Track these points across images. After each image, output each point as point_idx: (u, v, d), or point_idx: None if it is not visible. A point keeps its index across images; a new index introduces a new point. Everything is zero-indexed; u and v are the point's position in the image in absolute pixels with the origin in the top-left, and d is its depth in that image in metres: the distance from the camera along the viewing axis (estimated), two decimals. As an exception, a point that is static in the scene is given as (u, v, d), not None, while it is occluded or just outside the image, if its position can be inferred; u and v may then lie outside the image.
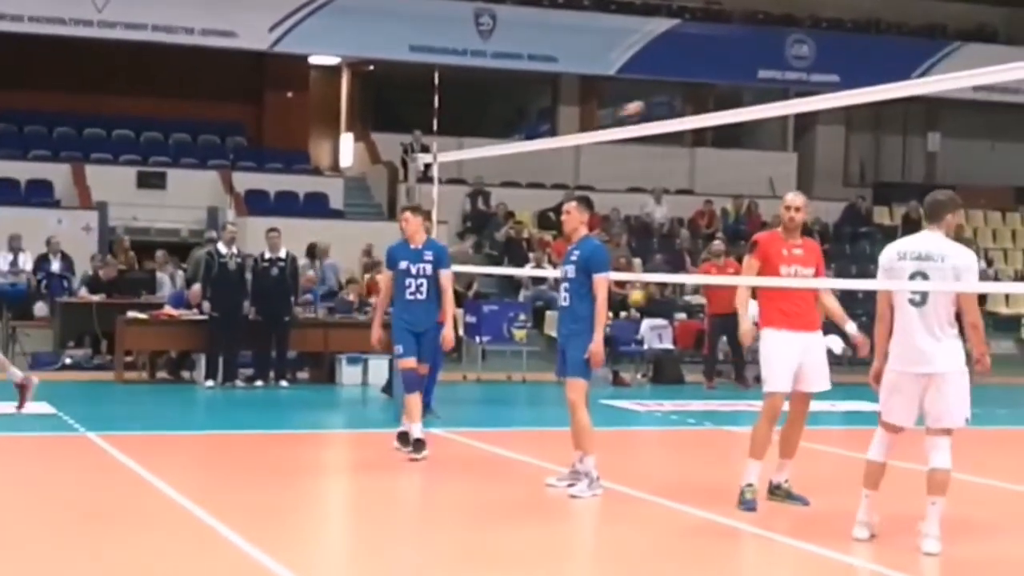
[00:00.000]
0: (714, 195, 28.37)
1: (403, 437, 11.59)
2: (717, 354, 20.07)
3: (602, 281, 9.88)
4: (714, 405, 16.50)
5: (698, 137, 30.40)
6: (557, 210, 26.92)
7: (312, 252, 21.76)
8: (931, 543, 7.90)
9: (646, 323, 21.26)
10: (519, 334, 20.63)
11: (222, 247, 18.35)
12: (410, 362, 11.43)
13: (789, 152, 31.91)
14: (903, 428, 8.20)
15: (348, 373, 18.67)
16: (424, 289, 11.47)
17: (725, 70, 29.18)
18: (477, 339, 20.06)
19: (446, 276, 11.60)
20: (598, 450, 9.85)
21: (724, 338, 19.69)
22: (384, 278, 11.94)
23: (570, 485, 9.89)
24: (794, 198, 9.68)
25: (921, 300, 7.99)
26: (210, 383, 17.85)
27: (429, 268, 11.50)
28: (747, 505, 9.25)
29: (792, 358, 9.31)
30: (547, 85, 31.07)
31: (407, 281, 11.48)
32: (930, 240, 8.12)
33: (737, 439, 9.67)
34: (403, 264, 11.53)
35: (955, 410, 7.99)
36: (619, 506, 9.67)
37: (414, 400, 11.44)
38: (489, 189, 27.02)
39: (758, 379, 10.07)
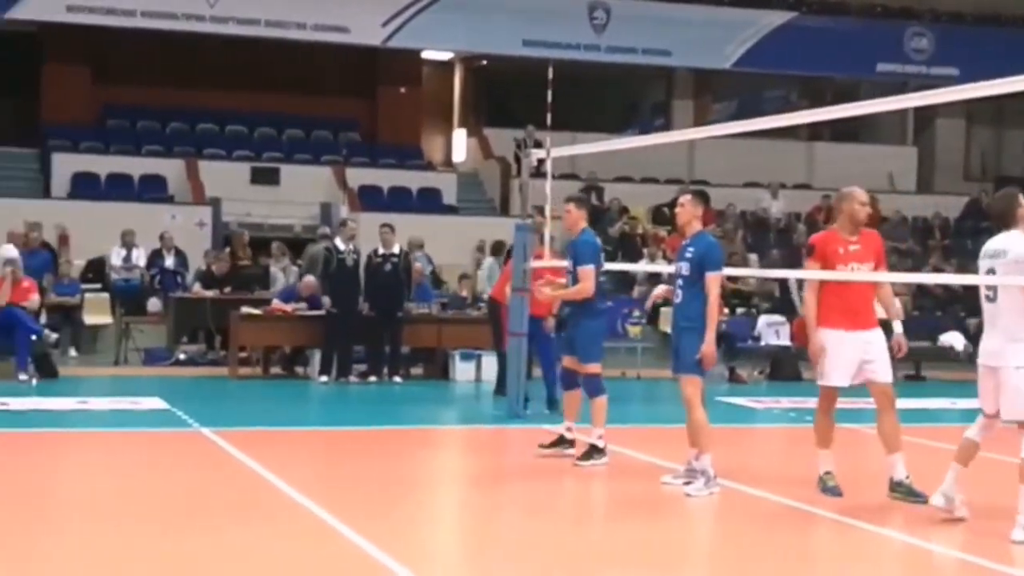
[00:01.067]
0: (832, 190, 27.71)
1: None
2: None
3: (715, 279, 9.71)
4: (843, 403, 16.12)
5: (815, 131, 29.91)
6: (671, 205, 26.69)
7: (499, 250, 21.17)
8: (1016, 531, 7.89)
9: (763, 319, 20.92)
10: (634, 330, 20.40)
11: (340, 243, 18.29)
12: (564, 361, 11.23)
13: (909, 146, 31.40)
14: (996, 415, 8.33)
15: (461, 369, 18.56)
16: (570, 286, 11.14)
17: (843, 63, 28.75)
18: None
19: (582, 271, 10.95)
20: (715, 448, 9.61)
21: None
22: None
23: (686, 483, 9.66)
24: (863, 193, 9.65)
25: (992, 296, 8.25)
26: (324, 379, 17.82)
27: (571, 263, 11.15)
28: (831, 491, 9.35)
29: (850, 357, 9.30)
30: (661, 79, 30.82)
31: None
32: (1004, 238, 8.31)
33: (857, 437, 9.44)
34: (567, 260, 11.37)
35: (1013, 405, 8.10)
36: (736, 504, 9.43)
37: (569, 397, 11.24)
38: (603, 184, 26.82)
39: None
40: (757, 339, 20.48)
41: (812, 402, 10.14)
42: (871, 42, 28.77)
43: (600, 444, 10.81)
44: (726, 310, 20.00)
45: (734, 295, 22.58)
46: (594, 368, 10.93)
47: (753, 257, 24.09)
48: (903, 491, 9.26)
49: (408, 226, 20.94)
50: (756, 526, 8.74)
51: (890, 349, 9.48)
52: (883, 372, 9.36)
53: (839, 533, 8.54)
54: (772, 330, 20.73)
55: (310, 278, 18.60)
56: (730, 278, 22.14)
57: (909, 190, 30.25)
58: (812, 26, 28.38)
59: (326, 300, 17.98)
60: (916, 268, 23.20)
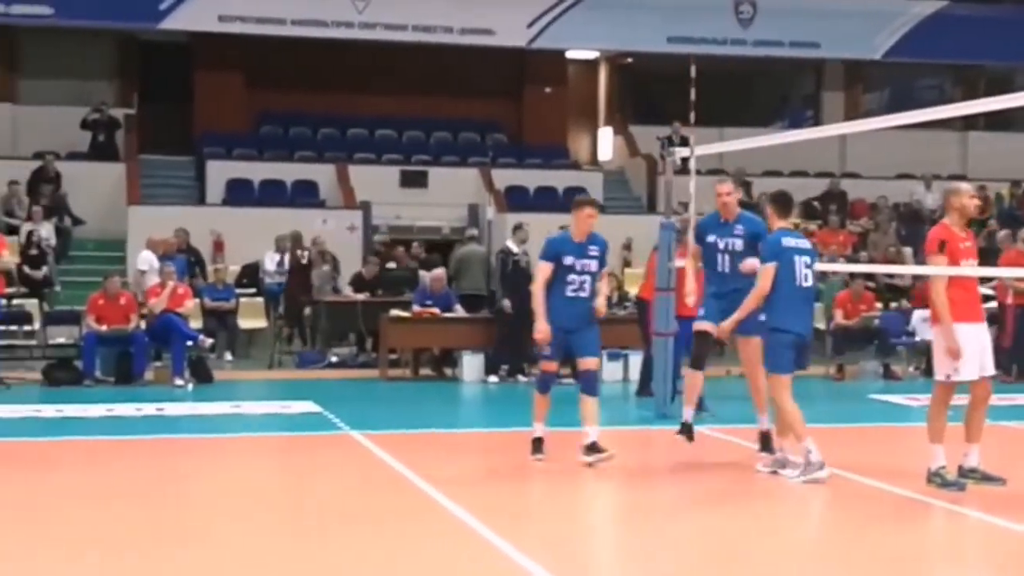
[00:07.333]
0: (988, 180, 27.17)
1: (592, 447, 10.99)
2: None
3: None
4: (992, 399, 15.71)
5: (970, 121, 29.25)
6: (822, 199, 26.37)
7: None
8: None
9: (917, 314, 20.47)
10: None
11: (512, 245, 18.43)
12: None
13: (1068, 134, 30.52)
14: None
15: (608, 369, 18.46)
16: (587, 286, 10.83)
17: (997, 51, 28.04)
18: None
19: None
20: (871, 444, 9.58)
21: None
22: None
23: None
24: (970, 187, 9.98)
25: None
26: (493, 379, 18.08)
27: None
28: (953, 486, 9.50)
29: (977, 350, 9.56)
30: (810, 71, 30.42)
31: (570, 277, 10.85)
32: None
33: (1015, 435, 9.30)
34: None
35: None
36: (881, 504, 9.34)
37: (542, 400, 11.15)
38: (751, 179, 26.52)
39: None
40: (912, 334, 20.06)
41: (968, 398, 10.04)
42: (1025, 28, 28.09)
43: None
44: (878, 304, 19.67)
45: (888, 289, 22.22)
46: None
47: (908, 251, 23.60)
48: (978, 476, 9.61)
49: (554, 226, 20.91)
50: (901, 527, 8.63)
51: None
52: (992, 366, 9.67)
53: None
54: (928, 325, 20.26)
55: (438, 271, 18.85)
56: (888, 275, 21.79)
57: (1069, 179, 29.42)
58: (964, 14, 27.77)
59: (506, 303, 18.09)
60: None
